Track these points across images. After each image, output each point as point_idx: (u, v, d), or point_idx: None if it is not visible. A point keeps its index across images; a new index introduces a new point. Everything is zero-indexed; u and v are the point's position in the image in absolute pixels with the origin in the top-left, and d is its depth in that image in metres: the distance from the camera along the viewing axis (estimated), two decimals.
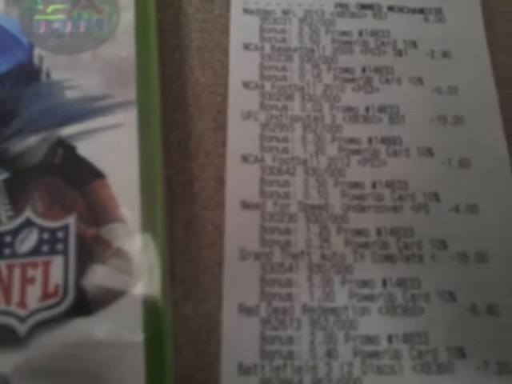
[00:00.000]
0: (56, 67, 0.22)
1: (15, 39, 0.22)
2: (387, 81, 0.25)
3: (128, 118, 0.21)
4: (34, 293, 0.18)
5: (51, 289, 0.18)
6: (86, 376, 0.17)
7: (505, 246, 0.22)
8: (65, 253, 0.19)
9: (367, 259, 0.22)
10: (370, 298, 0.21)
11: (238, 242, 0.22)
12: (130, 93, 0.21)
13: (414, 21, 0.26)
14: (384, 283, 0.21)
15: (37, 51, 0.22)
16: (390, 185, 0.23)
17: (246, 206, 0.22)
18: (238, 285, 0.21)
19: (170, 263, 0.21)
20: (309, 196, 0.23)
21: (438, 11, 0.27)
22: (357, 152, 0.24)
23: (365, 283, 0.21)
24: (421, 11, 0.27)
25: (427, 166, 0.24)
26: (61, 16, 0.22)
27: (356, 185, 0.23)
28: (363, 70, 0.25)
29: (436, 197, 0.23)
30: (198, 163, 0.23)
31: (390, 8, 0.27)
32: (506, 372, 0.20)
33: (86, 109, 0.21)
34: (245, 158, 0.23)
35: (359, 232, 0.22)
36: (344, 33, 0.26)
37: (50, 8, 0.22)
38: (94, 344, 0.18)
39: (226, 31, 0.25)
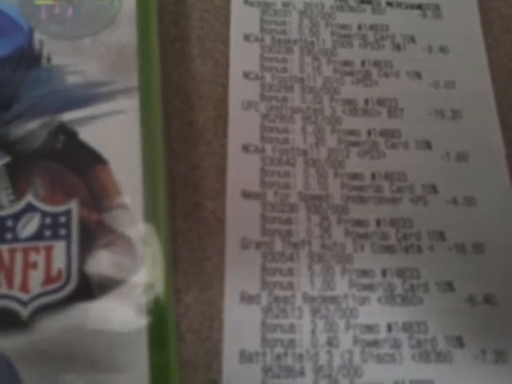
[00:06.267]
0: (57, 52, 0.21)
1: (15, 23, 0.22)
2: (386, 74, 0.25)
3: (130, 105, 0.21)
4: (36, 277, 0.18)
5: (54, 273, 0.18)
6: (88, 360, 0.17)
7: (501, 237, 0.23)
8: (67, 238, 0.19)
9: (367, 249, 0.22)
10: (370, 287, 0.21)
11: (239, 232, 0.22)
12: (132, 79, 0.21)
13: (412, 16, 0.27)
14: (383, 273, 0.22)
15: (37, 36, 0.21)
16: (388, 176, 0.23)
17: (246, 195, 0.22)
18: (240, 273, 0.21)
19: (172, 252, 0.21)
20: (309, 187, 0.23)
21: (436, 7, 0.27)
22: (356, 144, 0.24)
23: (364, 273, 0.22)
24: (419, 7, 0.27)
25: (425, 159, 0.24)
26: (62, 1, 0.22)
27: (355, 176, 0.23)
28: (362, 63, 0.25)
29: (434, 189, 0.23)
30: (198, 152, 0.23)
31: (389, 3, 0.27)
32: (502, 360, 0.21)
33: (88, 95, 0.21)
34: (245, 148, 0.23)
35: (359, 222, 0.22)
36: (343, 26, 0.26)
37: None
38: (96, 329, 0.18)
39: (226, 22, 0.25)
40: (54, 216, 0.19)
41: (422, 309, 0.21)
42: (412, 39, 0.26)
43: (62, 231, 0.19)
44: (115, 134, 0.20)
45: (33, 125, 0.20)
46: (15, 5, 0.22)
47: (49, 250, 0.18)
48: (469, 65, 0.26)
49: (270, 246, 0.22)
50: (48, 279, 0.18)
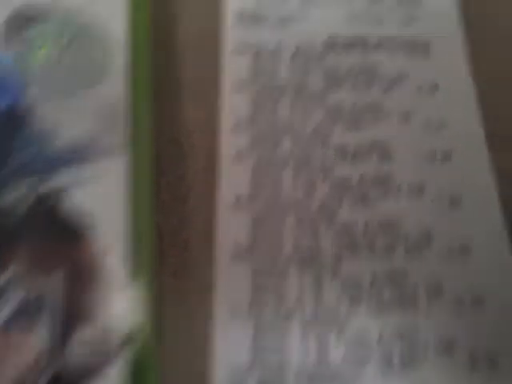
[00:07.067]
0: (45, 111, 0.21)
1: (6, 82, 0.21)
2: (376, 117, 0.25)
3: (118, 165, 0.20)
4: (15, 361, 0.17)
5: (34, 356, 0.18)
6: None
7: (500, 287, 0.22)
8: (50, 313, 0.18)
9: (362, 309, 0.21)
10: (367, 351, 0.21)
11: (230, 294, 0.21)
12: (121, 138, 0.21)
13: (400, 57, 0.27)
14: (380, 335, 0.21)
15: (28, 94, 0.21)
16: (382, 225, 0.23)
17: (238, 250, 0.22)
18: (230, 341, 0.20)
19: (159, 317, 0.20)
20: (301, 239, 0.22)
21: (424, 47, 0.27)
22: (348, 191, 0.24)
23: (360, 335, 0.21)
24: (407, 47, 0.27)
25: (418, 205, 0.24)
26: (51, 58, 0.22)
27: (348, 226, 0.23)
28: (353, 106, 0.25)
29: (429, 237, 0.23)
30: (188, 206, 0.23)
31: (378, 44, 0.27)
32: None
33: (75, 155, 0.20)
34: (237, 199, 0.23)
35: (353, 275, 0.22)
36: (333, 69, 0.26)
37: (43, 50, 0.22)
38: None
39: (217, 70, 0.25)
40: (36, 292, 0.18)
41: (421, 371, 0.21)
42: (401, 80, 0.26)
43: (45, 306, 0.18)
44: (101, 197, 0.20)
45: (17, 192, 0.19)
46: (9, 62, 0.21)
47: (30, 327, 0.18)
48: (459, 104, 0.26)
49: (262, 306, 0.21)
50: (27, 363, 0.17)
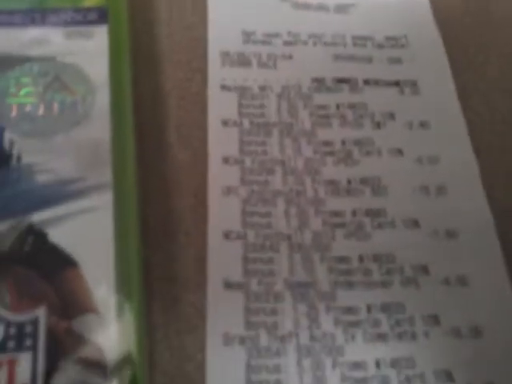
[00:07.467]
0: (27, 151, 0.21)
1: None
2: (367, 153, 0.25)
3: (103, 202, 0.20)
4: None
5: None
6: None
7: (498, 318, 0.21)
8: (33, 349, 0.17)
9: (358, 339, 0.21)
10: (363, 381, 0.20)
11: (222, 326, 0.20)
12: (105, 175, 0.21)
13: (390, 93, 0.27)
14: (377, 364, 0.20)
15: (8, 135, 0.21)
16: (377, 258, 0.22)
17: (229, 285, 0.21)
18: (224, 373, 0.20)
19: (149, 351, 0.19)
20: (294, 273, 0.22)
21: (413, 84, 0.27)
22: (341, 225, 0.23)
23: (357, 365, 0.20)
24: (396, 84, 0.27)
25: (414, 238, 0.23)
26: (33, 99, 0.22)
27: (342, 259, 0.22)
28: (343, 142, 0.25)
29: (425, 269, 0.22)
30: (177, 242, 0.22)
31: (366, 82, 0.27)
32: None
33: (59, 193, 0.20)
34: (227, 235, 0.22)
35: (349, 309, 0.21)
36: (322, 107, 0.26)
37: (23, 91, 0.22)
38: None
39: (203, 108, 0.25)
40: (20, 325, 0.18)
41: None
42: (391, 116, 0.26)
43: (28, 342, 0.17)
44: (87, 232, 0.19)
45: (0, 228, 0.19)
46: None
47: (12, 363, 0.17)
48: (450, 139, 0.26)
49: (255, 340, 0.20)
50: None
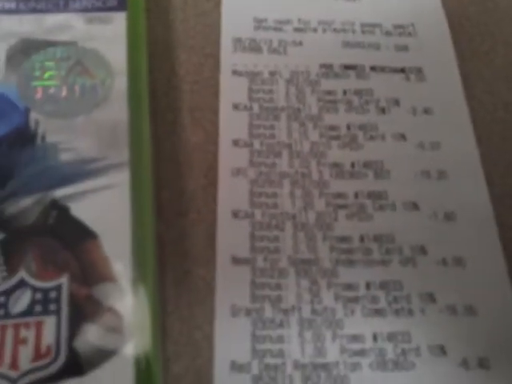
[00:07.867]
0: (51, 131, 0.22)
1: (13, 104, 0.23)
2: (371, 137, 0.26)
3: (120, 179, 0.22)
4: (26, 353, 0.18)
5: (43, 349, 0.18)
6: None
7: (492, 298, 0.23)
8: (57, 313, 0.19)
9: (357, 314, 0.22)
10: (361, 353, 0.21)
11: (229, 299, 0.22)
12: (123, 155, 0.22)
13: (395, 80, 0.28)
14: (374, 338, 0.22)
15: (33, 115, 0.23)
16: (377, 239, 0.24)
17: (236, 261, 0.23)
18: (230, 342, 0.21)
19: (162, 321, 0.21)
20: (298, 251, 0.23)
21: (419, 71, 0.28)
22: (344, 207, 0.24)
23: (355, 338, 0.22)
24: (402, 71, 0.28)
25: (413, 220, 0.24)
26: (56, 82, 0.23)
27: (344, 239, 0.24)
28: (348, 127, 0.26)
29: (423, 250, 0.23)
30: (189, 219, 0.23)
31: (373, 68, 0.28)
32: None
33: (80, 171, 0.22)
34: (235, 214, 0.24)
35: (349, 286, 0.23)
36: (329, 92, 0.27)
37: (47, 74, 0.23)
38: None
39: (215, 92, 0.26)
40: (45, 291, 0.19)
41: (415, 374, 0.21)
42: (396, 102, 0.27)
43: (52, 306, 0.19)
44: (106, 208, 0.21)
45: (26, 202, 0.21)
46: (13, 86, 0.23)
47: (39, 325, 0.19)
48: (453, 126, 0.27)
49: (260, 312, 0.22)
50: (37, 355, 0.18)
